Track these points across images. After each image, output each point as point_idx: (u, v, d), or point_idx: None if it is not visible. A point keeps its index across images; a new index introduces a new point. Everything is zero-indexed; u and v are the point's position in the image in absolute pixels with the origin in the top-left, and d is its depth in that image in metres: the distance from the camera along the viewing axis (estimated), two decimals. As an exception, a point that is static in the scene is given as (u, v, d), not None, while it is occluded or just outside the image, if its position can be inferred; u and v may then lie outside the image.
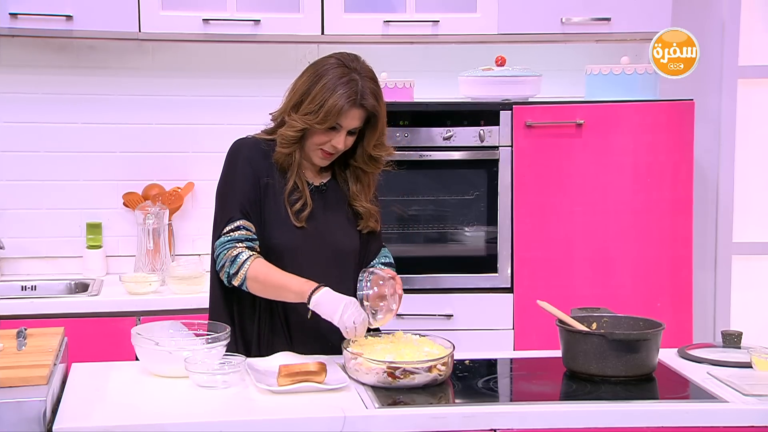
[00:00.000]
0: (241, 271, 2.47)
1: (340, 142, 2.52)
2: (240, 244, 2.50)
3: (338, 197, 2.65)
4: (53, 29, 3.47)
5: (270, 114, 2.65)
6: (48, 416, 1.94)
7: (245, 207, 2.53)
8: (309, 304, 2.41)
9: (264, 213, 2.55)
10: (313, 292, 2.41)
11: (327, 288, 2.42)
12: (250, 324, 2.57)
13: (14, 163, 3.81)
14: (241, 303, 2.57)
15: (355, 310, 2.38)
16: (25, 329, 2.32)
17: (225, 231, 2.52)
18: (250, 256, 2.48)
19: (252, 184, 2.54)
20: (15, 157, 3.81)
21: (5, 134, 3.79)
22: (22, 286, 3.70)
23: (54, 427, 1.94)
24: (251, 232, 2.52)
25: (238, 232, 2.51)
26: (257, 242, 2.53)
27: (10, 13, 3.41)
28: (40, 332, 2.36)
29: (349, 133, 2.54)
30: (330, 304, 2.39)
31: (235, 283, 2.48)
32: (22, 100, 3.79)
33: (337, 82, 2.49)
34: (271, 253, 2.53)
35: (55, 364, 2.12)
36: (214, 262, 2.55)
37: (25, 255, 3.82)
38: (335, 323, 2.39)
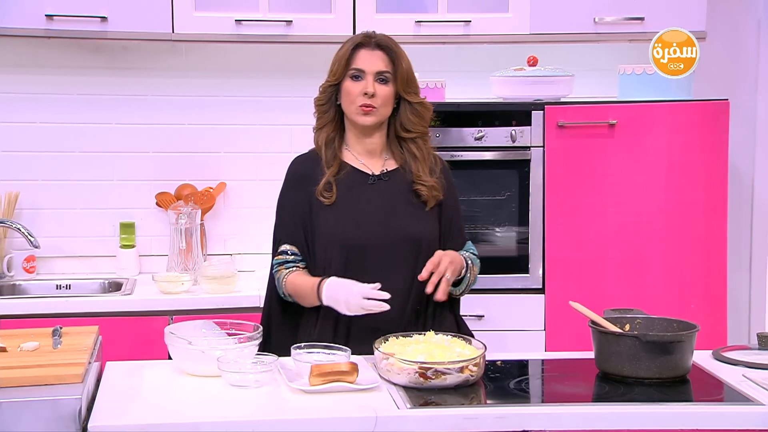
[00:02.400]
0: (284, 290, 2.63)
1: (369, 85, 2.57)
2: (282, 267, 2.64)
3: (405, 185, 2.64)
4: (88, 30, 3.50)
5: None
6: (83, 414, 1.96)
7: (291, 230, 2.64)
8: (323, 302, 2.49)
9: (324, 219, 2.60)
10: (319, 287, 2.50)
11: (330, 278, 2.49)
12: (304, 328, 2.63)
13: (49, 163, 3.85)
14: (279, 328, 2.68)
15: (356, 295, 2.42)
16: (61, 328, 2.34)
17: (276, 253, 2.67)
18: (286, 273, 2.62)
19: (300, 204, 2.62)
20: (50, 158, 3.85)
21: (41, 135, 3.82)
22: (57, 285, 3.73)
23: (89, 425, 1.96)
24: (294, 255, 2.63)
25: (283, 256, 2.65)
26: (302, 262, 2.63)
27: (46, 15, 3.44)
28: (75, 331, 2.38)
29: (381, 80, 2.58)
30: (332, 298, 2.47)
31: (291, 300, 2.64)
32: (57, 101, 3.83)
33: (349, 40, 2.67)
34: (344, 252, 2.56)
35: (89, 363, 2.13)
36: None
37: (60, 254, 3.85)
38: (346, 313, 2.45)
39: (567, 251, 3.55)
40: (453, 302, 2.71)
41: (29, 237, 3.63)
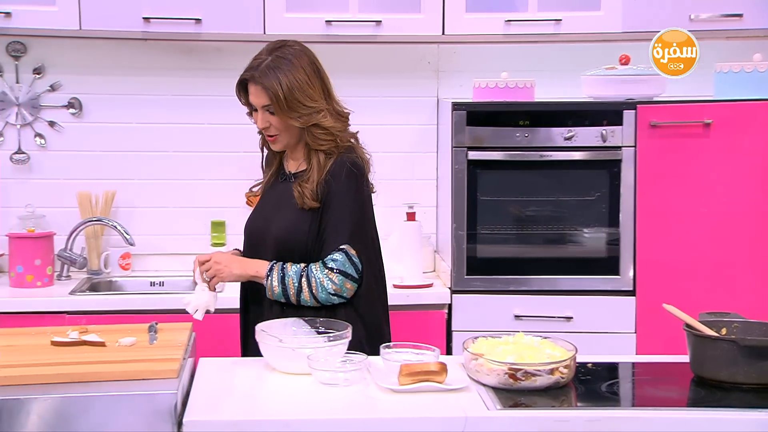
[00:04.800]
0: None
1: (258, 119, 2.66)
2: None
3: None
4: (183, 32, 3.58)
5: None
6: (178, 409, 2.00)
7: None
8: None
9: None
10: None
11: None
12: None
13: (145, 163, 3.94)
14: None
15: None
16: (156, 324, 2.39)
17: None
18: None
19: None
20: (145, 157, 3.94)
21: (137, 135, 3.92)
22: (151, 282, 3.82)
23: (184, 420, 1.99)
24: None
25: None
26: None
27: (143, 17, 3.53)
28: (170, 327, 2.43)
29: (270, 112, 2.63)
30: None
31: None
32: (153, 102, 3.92)
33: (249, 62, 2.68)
34: (244, 240, 2.78)
35: (184, 359, 2.17)
36: None
37: (154, 252, 3.94)
38: None
39: (659, 253, 3.49)
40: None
41: (125, 235, 3.73)
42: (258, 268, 2.63)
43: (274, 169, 2.78)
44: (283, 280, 2.59)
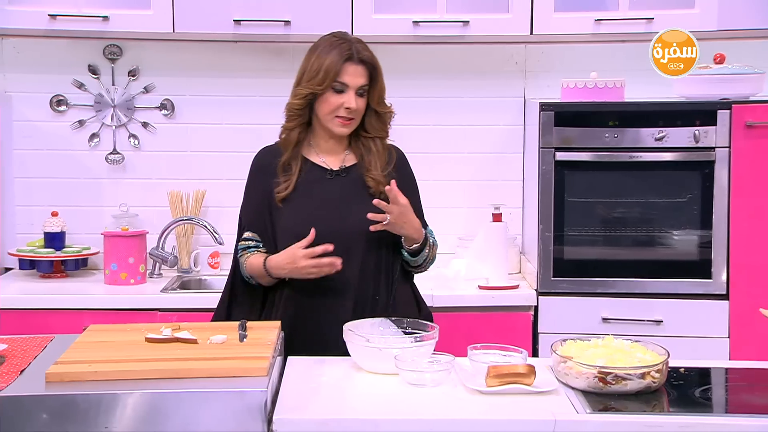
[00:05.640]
0: (245, 273, 2.73)
1: (352, 101, 2.62)
2: (245, 252, 2.75)
3: (361, 179, 2.69)
4: (272, 34, 3.62)
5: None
6: (268, 406, 2.02)
7: (252, 218, 2.75)
8: (272, 273, 2.64)
9: (283, 214, 2.68)
10: (265, 262, 2.64)
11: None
12: None
13: (234, 163, 3.98)
14: (241, 308, 2.74)
15: (300, 257, 2.56)
16: (246, 322, 2.43)
17: (240, 238, 2.78)
18: (247, 257, 2.73)
19: (259, 197, 2.74)
20: (235, 158, 3.98)
21: (227, 135, 3.98)
22: (239, 281, 3.88)
23: (274, 417, 2.02)
24: (255, 240, 2.74)
25: (245, 242, 2.76)
26: (262, 247, 2.73)
27: (234, 20, 3.58)
28: (258, 325, 2.46)
29: (359, 94, 2.64)
30: (278, 266, 2.61)
31: (254, 282, 2.74)
32: (242, 103, 3.98)
33: (330, 46, 2.65)
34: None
35: (273, 357, 2.20)
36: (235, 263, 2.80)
37: (242, 251, 3.99)
38: (298, 271, 2.58)
39: (754, 256, 3.41)
40: (408, 278, 2.77)
41: (214, 234, 3.80)
42: (419, 231, 2.67)
43: (299, 167, 2.71)
44: (431, 244, 2.73)
